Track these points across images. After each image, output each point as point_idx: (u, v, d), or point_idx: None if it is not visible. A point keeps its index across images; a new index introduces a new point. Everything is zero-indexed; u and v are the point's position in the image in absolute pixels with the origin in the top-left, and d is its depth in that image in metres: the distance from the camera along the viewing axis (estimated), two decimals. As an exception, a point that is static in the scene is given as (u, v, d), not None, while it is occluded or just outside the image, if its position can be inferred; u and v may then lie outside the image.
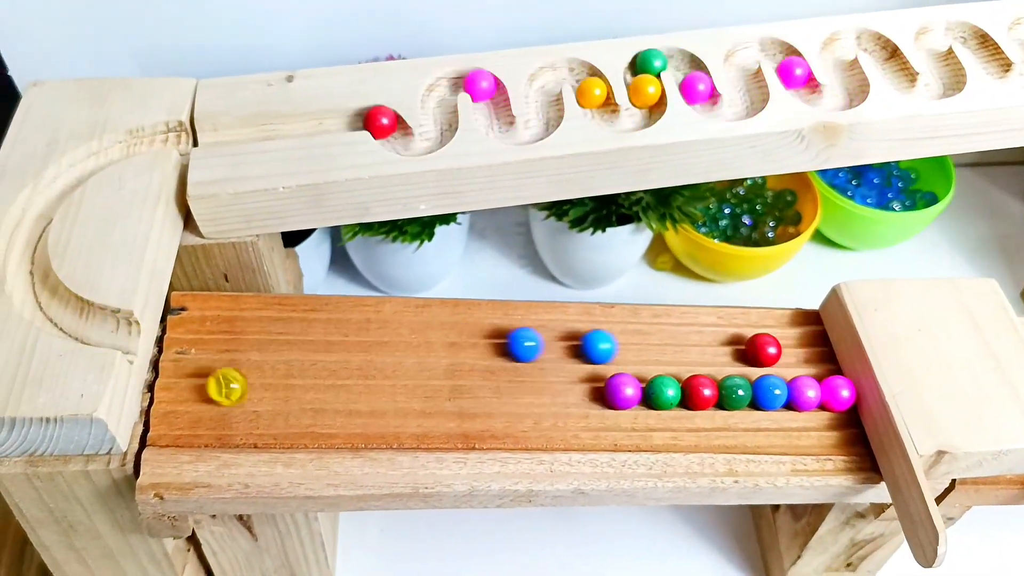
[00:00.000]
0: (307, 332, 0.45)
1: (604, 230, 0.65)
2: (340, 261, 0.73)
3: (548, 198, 0.49)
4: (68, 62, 0.59)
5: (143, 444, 0.40)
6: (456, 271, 0.74)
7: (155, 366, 0.43)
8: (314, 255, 0.67)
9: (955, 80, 0.50)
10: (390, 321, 0.46)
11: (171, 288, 0.46)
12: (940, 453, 0.42)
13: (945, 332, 0.46)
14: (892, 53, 0.51)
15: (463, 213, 0.67)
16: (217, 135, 0.48)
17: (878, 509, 0.49)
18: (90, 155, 0.47)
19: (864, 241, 0.76)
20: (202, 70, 0.52)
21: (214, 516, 0.45)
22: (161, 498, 0.39)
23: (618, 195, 0.64)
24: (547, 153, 0.47)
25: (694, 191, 0.66)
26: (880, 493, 0.44)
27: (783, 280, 0.75)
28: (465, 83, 0.50)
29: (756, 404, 0.45)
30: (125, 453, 0.39)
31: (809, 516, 0.53)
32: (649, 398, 0.44)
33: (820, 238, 0.78)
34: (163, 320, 0.44)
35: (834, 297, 0.48)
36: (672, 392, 0.44)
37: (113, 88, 0.49)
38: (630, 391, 0.44)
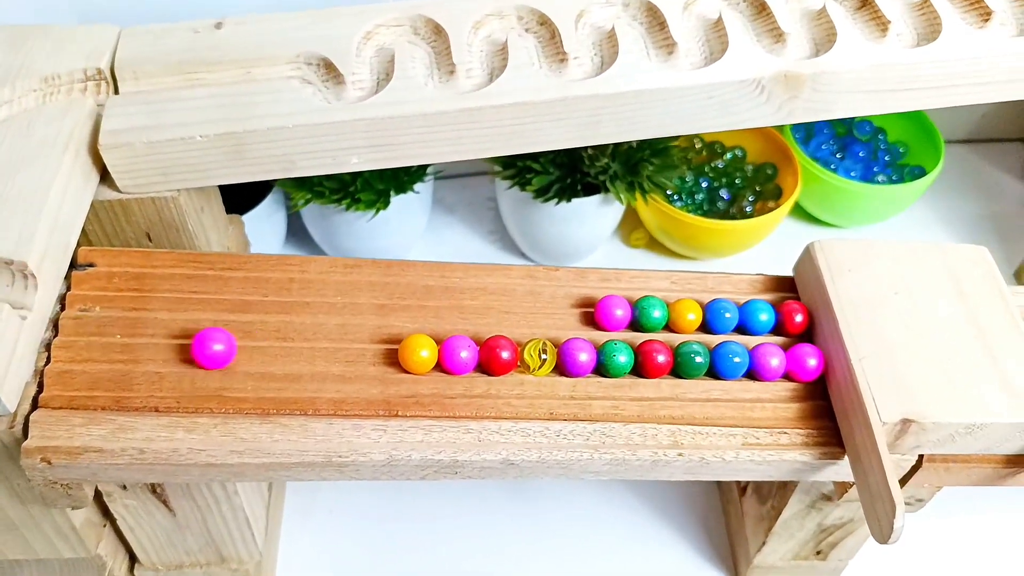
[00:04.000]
0: (222, 291, 0.42)
1: (570, 200, 0.62)
2: (298, 233, 0.70)
3: (491, 153, 0.45)
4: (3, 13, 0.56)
5: (35, 405, 0.37)
6: (420, 246, 0.71)
7: (56, 324, 0.40)
8: (266, 224, 0.64)
9: (930, 29, 0.46)
10: (314, 281, 0.43)
11: (89, 245, 0.43)
12: (906, 422, 0.38)
13: (926, 297, 0.43)
14: (863, 2, 0.47)
15: (422, 182, 0.63)
16: (139, 84, 0.45)
17: (843, 490, 0.45)
18: (2, 103, 0.44)
19: (848, 217, 0.72)
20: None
21: (125, 487, 0.42)
22: (49, 463, 0.36)
23: (583, 163, 0.61)
24: (487, 102, 0.43)
25: (665, 159, 0.62)
26: (843, 471, 0.41)
27: (763, 257, 0.71)
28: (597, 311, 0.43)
29: (714, 372, 0.42)
30: (14, 414, 0.36)
31: (774, 499, 0.49)
32: (599, 364, 0.41)
33: (804, 215, 0.74)
34: (68, 276, 0.41)
35: (807, 256, 0.45)
36: (624, 359, 0.41)
37: (30, 35, 0.46)
38: (584, 356, 0.41)
